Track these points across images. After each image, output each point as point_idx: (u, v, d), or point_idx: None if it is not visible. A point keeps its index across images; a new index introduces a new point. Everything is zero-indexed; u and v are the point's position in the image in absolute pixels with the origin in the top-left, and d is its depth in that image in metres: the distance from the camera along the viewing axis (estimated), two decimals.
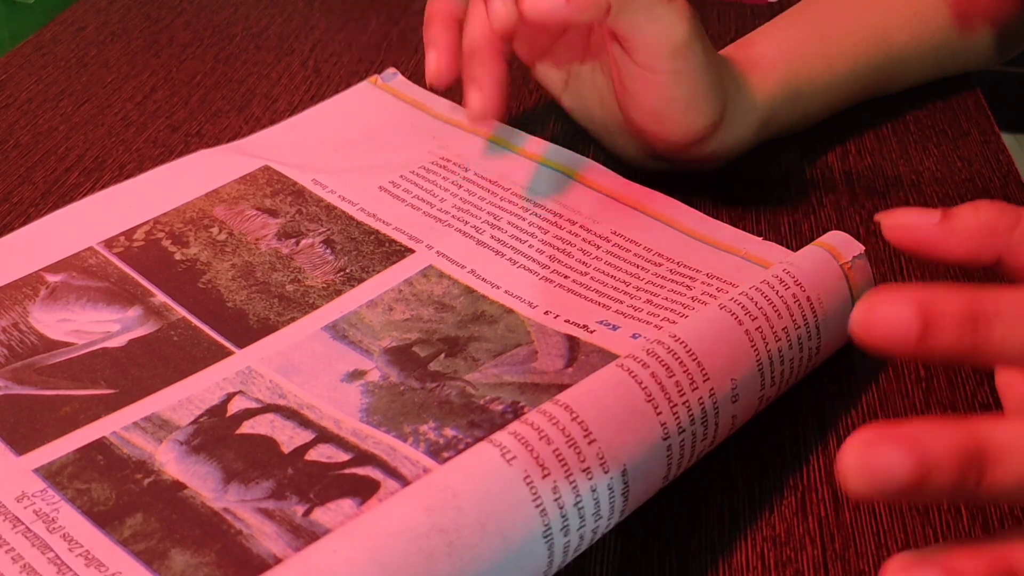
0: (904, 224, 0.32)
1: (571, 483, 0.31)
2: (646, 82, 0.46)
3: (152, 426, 0.37)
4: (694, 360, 0.34)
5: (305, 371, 0.40)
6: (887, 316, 0.26)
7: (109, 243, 0.46)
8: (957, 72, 0.62)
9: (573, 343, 0.41)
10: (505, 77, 0.47)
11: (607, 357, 0.40)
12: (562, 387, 0.38)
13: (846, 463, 0.25)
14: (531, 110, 0.59)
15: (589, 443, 0.32)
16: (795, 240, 0.49)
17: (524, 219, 0.47)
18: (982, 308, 0.26)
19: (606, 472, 0.32)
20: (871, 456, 0.25)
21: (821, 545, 0.36)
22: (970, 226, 0.32)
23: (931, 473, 0.25)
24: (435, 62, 0.48)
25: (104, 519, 0.34)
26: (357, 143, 0.53)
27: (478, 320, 0.42)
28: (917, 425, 0.26)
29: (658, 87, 0.46)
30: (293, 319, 0.42)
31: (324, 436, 0.37)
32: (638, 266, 0.45)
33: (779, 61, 0.53)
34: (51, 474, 0.35)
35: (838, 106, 0.57)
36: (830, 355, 0.41)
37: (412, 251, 0.46)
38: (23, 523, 0.34)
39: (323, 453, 0.36)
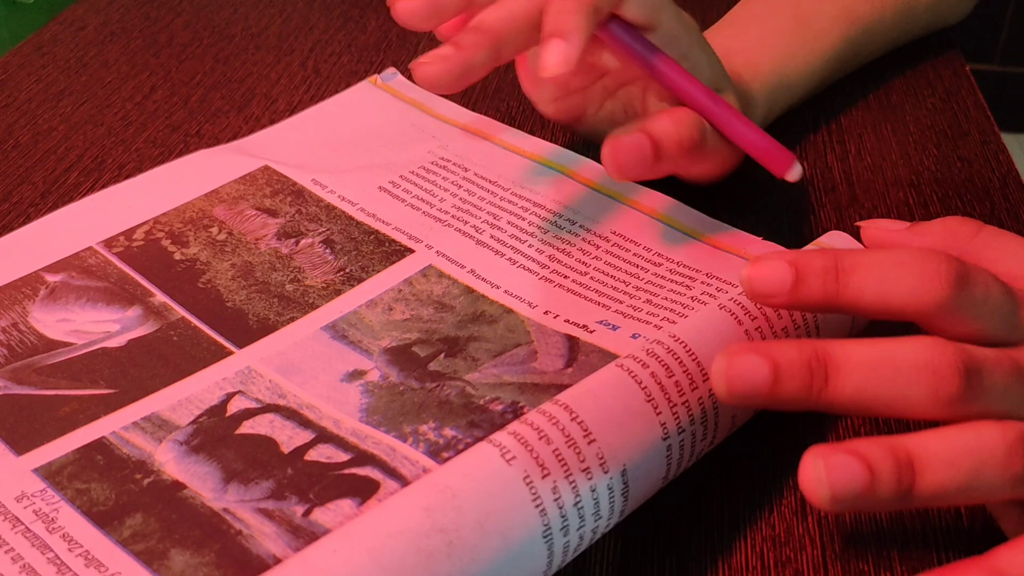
0: (879, 227, 0.37)
1: (571, 483, 0.31)
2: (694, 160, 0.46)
3: (152, 426, 0.37)
4: (694, 360, 0.34)
5: (305, 371, 0.40)
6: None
7: (109, 243, 0.46)
8: (932, 28, 0.65)
9: (573, 343, 0.40)
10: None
11: (607, 357, 0.40)
12: (562, 387, 0.38)
13: (715, 370, 0.30)
14: (531, 111, 0.59)
15: (589, 443, 0.32)
16: (795, 240, 0.49)
17: (524, 219, 0.47)
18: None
19: (606, 472, 0.32)
20: (734, 363, 0.30)
21: (821, 545, 0.36)
22: (935, 231, 0.37)
23: (783, 376, 0.30)
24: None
25: (104, 519, 0.34)
26: (357, 143, 0.53)
27: (478, 320, 0.42)
28: (769, 342, 0.31)
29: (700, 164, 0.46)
30: (293, 319, 0.42)
31: (324, 436, 0.37)
32: (638, 266, 0.45)
33: (769, 57, 0.54)
34: (51, 474, 0.35)
35: (821, 85, 0.59)
36: None
37: (412, 251, 0.46)
38: (23, 523, 0.34)
39: (323, 453, 0.36)
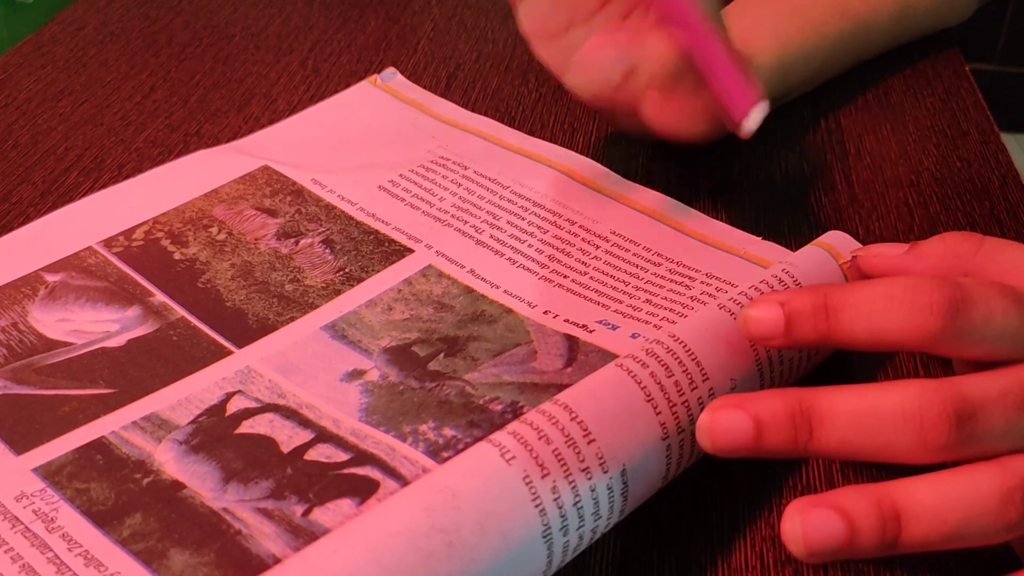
0: (877, 254, 0.37)
1: (570, 483, 0.31)
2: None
3: (151, 425, 0.37)
4: (693, 360, 0.34)
5: (304, 371, 0.40)
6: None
7: (108, 243, 0.46)
8: (933, 30, 0.65)
9: (572, 343, 0.40)
10: None
11: (606, 357, 0.40)
12: (561, 387, 0.38)
13: (699, 425, 0.31)
14: (531, 110, 0.59)
15: (588, 443, 0.32)
16: (795, 240, 0.49)
17: (523, 218, 0.47)
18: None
19: (605, 472, 0.32)
20: (717, 418, 0.31)
21: None
22: (936, 251, 0.36)
23: (766, 431, 0.30)
24: None
25: (103, 519, 0.34)
26: (356, 143, 0.53)
27: (477, 320, 0.42)
28: (754, 395, 0.31)
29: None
30: (292, 319, 0.42)
31: (323, 436, 0.37)
32: (637, 266, 0.45)
33: (768, 45, 0.54)
34: (50, 473, 0.35)
35: (817, 78, 0.59)
36: (830, 355, 0.41)
37: (411, 251, 0.46)
38: (22, 523, 0.34)
39: (322, 453, 0.36)
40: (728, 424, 0.31)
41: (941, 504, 0.29)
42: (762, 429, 0.30)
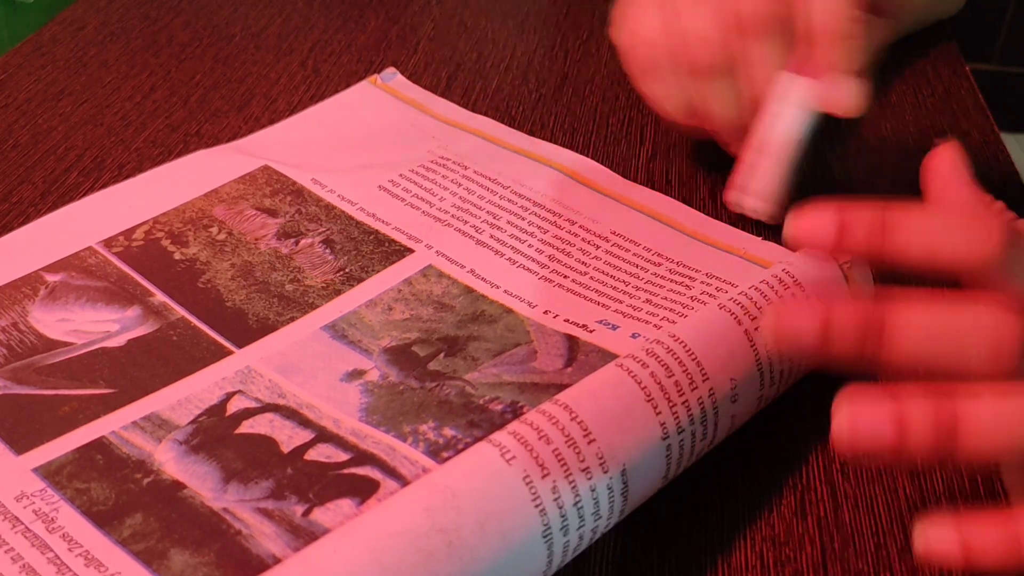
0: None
1: (570, 483, 0.31)
2: None
3: (151, 425, 0.37)
4: (693, 360, 0.34)
5: (304, 371, 0.40)
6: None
7: (108, 243, 0.46)
8: (927, 22, 0.65)
9: (572, 343, 0.40)
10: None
11: (606, 357, 0.40)
12: (561, 387, 0.38)
13: (765, 324, 0.30)
14: (531, 110, 0.59)
15: (588, 443, 0.32)
16: None
17: (523, 218, 0.47)
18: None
19: (605, 472, 0.32)
20: (785, 317, 0.30)
21: (820, 545, 0.36)
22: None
23: (834, 335, 0.29)
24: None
25: (103, 519, 0.34)
26: (356, 143, 0.53)
27: (477, 320, 0.42)
28: (829, 304, 0.30)
29: None
30: (292, 319, 0.42)
31: (323, 436, 0.37)
32: (637, 266, 0.45)
33: None
34: (50, 473, 0.35)
35: None
36: None
37: (411, 251, 0.46)
38: (22, 523, 0.34)
39: (322, 453, 0.36)
40: (795, 325, 0.30)
41: (1000, 420, 0.29)
42: (829, 336, 0.29)
